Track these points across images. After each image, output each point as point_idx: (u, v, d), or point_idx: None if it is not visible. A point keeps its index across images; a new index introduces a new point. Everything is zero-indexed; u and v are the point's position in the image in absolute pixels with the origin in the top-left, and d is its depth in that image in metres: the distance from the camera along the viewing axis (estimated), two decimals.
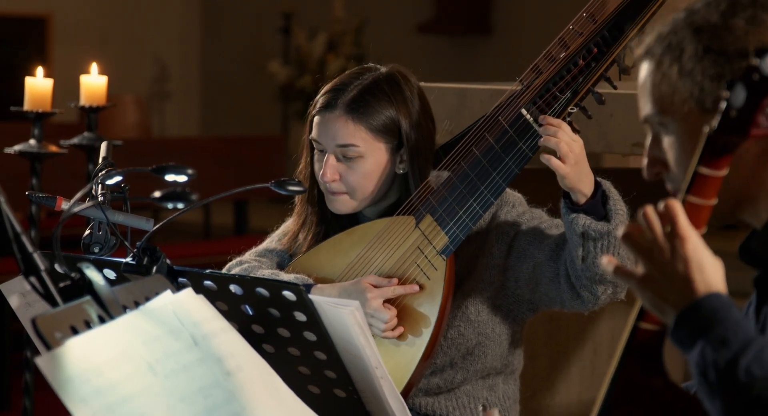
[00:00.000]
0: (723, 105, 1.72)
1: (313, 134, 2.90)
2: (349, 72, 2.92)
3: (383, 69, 2.91)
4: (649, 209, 1.75)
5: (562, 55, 2.82)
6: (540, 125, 2.77)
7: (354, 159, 2.86)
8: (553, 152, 2.71)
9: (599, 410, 1.83)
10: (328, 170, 2.86)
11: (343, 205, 2.90)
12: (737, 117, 1.71)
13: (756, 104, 1.70)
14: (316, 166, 2.91)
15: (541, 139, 2.74)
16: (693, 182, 1.76)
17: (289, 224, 3.04)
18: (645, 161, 1.91)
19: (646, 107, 1.89)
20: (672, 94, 1.84)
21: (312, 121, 2.91)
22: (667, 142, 1.88)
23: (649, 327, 1.79)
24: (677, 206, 1.73)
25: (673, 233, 1.73)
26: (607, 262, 1.78)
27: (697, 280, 1.72)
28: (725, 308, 1.70)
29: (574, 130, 2.74)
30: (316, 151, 2.92)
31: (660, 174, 1.91)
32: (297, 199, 3.00)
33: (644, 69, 1.89)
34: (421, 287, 2.84)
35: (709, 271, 1.72)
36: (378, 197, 2.91)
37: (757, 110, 1.70)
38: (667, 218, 1.73)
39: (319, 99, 2.90)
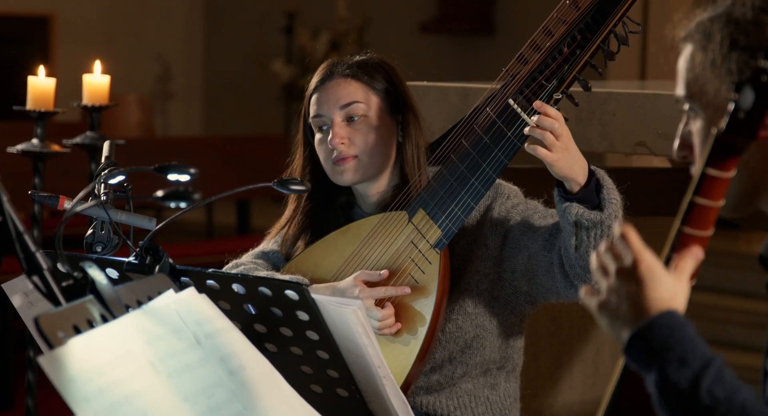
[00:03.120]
0: (731, 107, 1.71)
1: (312, 112, 2.95)
2: (337, 57, 3.02)
3: (371, 54, 3.02)
4: (611, 243, 1.76)
5: (547, 43, 2.82)
6: (528, 113, 2.78)
7: (359, 120, 2.90)
8: (541, 142, 2.72)
9: (605, 412, 1.82)
10: (336, 132, 2.90)
11: (351, 172, 2.91)
12: (745, 119, 1.71)
13: (764, 105, 1.69)
14: (319, 146, 2.94)
15: (527, 129, 2.74)
16: (701, 183, 1.75)
17: (278, 226, 3.05)
18: (676, 142, 1.91)
19: (679, 89, 1.89)
20: (698, 81, 1.84)
21: (308, 106, 2.96)
22: (694, 127, 1.87)
23: None
24: (630, 231, 1.74)
25: (628, 258, 1.73)
26: (584, 291, 1.79)
27: (650, 298, 1.72)
28: (681, 327, 1.70)
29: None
30: (317, 134, 2.95)
31: (687, 158, 1.90)
32: (288, 201, 3.02)
33: (683, 52, 1.88)
34: (416, 281, 2.85)
35: (663, 290, 1.72)
36: (383, 165, 2.92)
37: (765, 111, 1.69)
38: (624, 240, 1.74)
39: (314, 80, 2.97)
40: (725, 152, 1.74)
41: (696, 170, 1.78)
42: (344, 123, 2.91)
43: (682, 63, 1.88)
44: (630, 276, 1.73)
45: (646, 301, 1.72)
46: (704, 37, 1.83)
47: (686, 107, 1.89)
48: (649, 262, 1.73)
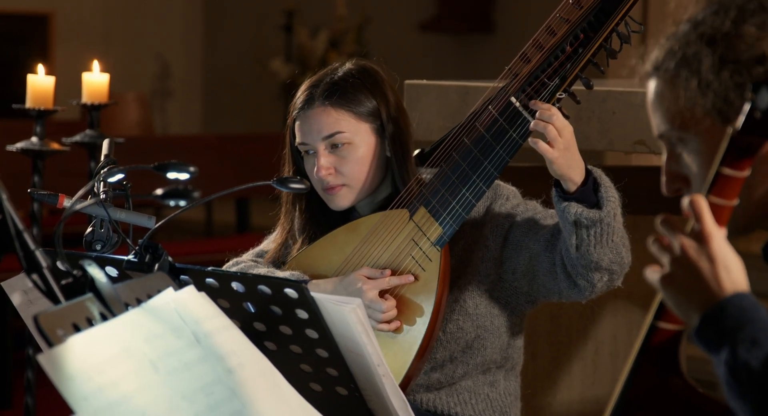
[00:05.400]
0: (747, 107, 1.71)
1: (297, 138, 2.92)
2: (319, 72, 2.96)
3: (350, 63, 2.94)
4: (669, 216, 1.74)
5: (550, 42, 2.82)
6: (529, 112, 2.78)
7: (344, 147, 2.87)
8: (543, 136, 2.71)
9: (614, 409, 1.81)
10: (322, 164, 2.87)
11: (342, 199, 2.90)
12: (761, 119, 1.70)
13: None
14: (309, 172, 2.92)
15: (532, 123, 2.74)
16: (715, 182, 1.75)
17: (275, 236, 3.04)
18: (663, 178, 1.89)
19: (661, 124, 1.86)
20: (692, 108, 1.81)
21: (293, 128, 2.93)
22: (688, 158, 1.85)
23: (667, 326, 1.78)
24: (702, 203, 1.72)
25: (698, 231, 1.72)
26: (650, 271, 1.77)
27: (723, 279, 1.70)
28: (754, 308, 1.69)
29: (564, 115, 2.74)
30: (304, 158, 2.93)
31: (680, 190, 1.88)
32: (283, 201, 3.01)
33: (654, 85, 1.86)
34: (417, 278, 2.85)
35: (734, 270, 1.71)
36: (375, 185, 2.92)
37: None
38: (692, 214, 1.72)
39: (296, 103, 2.93)
40: (740, 152, 1.73)
41: (710, 170, 1.76)
42: (328, 151, 2.88)
43: (658, 97, 1.85)
44: (701, 253, 1.71)
45: (719, 281, 1.70)
46: (690, 63, 1.81)
47: (672, 139, 1.87)
48: (720, 239, 1.71)
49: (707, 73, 1.80)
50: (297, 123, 2.92)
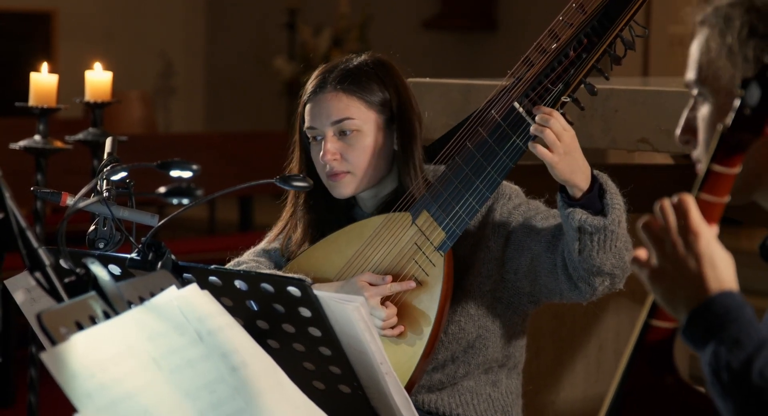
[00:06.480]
0: (737, 103, 1.71)
1: (307, 122, 2.91)
2: (334, 60, 2.97)
3: (366, 55, 2.97)
4: (666, 202, 1.74)
5: (553, 46, 2.80)
6: (533, 117, 2.76)
7: (352, 135, 2.87)
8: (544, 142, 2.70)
9: (609, 407, 1.82)
10: (328, 148, 2.87)
11: (346, 187, 2.89)
12: (751, 115, 1.70)
13: None
14: (315, 157, 2.92)
15: (531, 128, 2.73)
16: (706, 179, 1.75)
17: (279, 225, 3.04)
18: (680, 126, 1.91)
19: (690, 73, 1.89)
20: (711, 66, 1.83)
21: (303, 112, 2.93)
22: (701, 112, 1.87)
23: (661, 324, 1.78)
24: (690, 201, 1.72)
25: (685, 228, 1.72)
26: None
27: (709, 277, 1.71)
28: (738, 308, 1.69)
29: (568, 121, 2.73)
30: (312, 143, 2.93)
31: (689, 142, 1.90)
32: (288, 199, 3.01)
33: (698, 35, 1.88)
34: (420, 283, 2.84)
35: (721, 268, 1.71)
36: (378, 176, 2.91)
37: None
38: (680, 212, 1.72)
39: (308, 87, 2.93)
40: (731, 149, 1.73)
41: (701, 166, 1.77)
42: (336, 138, 2.88)
43: (696, 47, 1.88)
44: (689, 251, 1.72)
45: (705, 279, 1.71)
46: (723, 23, 1.83)
47: (695, 91, 1.88)
48: (709, 237, 1.72)
49: (733, 38, 1.81)
50: (308, 106, 2.91)
